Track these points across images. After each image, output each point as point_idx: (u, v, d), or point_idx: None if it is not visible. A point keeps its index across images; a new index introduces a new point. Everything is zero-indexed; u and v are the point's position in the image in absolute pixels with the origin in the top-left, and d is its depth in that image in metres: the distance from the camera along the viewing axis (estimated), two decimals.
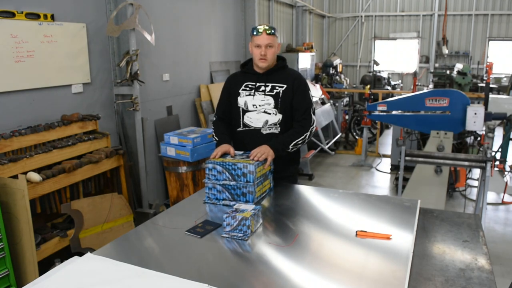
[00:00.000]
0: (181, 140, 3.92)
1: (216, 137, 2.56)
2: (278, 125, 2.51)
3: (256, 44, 2.44)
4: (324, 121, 6.86)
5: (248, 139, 2.51)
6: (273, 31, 2.44)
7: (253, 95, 2.51)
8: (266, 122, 2.51)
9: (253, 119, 2.52)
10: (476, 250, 1.70)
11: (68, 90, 3.63)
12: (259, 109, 2.51)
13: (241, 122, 2.55)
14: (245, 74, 2.59)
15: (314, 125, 2.54)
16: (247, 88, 2.54)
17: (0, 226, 2.61)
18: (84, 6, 3.74)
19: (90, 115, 3.60)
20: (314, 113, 2.56)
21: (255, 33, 2.45)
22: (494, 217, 4.89)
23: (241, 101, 2.54)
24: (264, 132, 2.51)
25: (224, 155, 2.30)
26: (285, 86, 2.50)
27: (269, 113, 2.50)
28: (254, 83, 2.53)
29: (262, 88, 2.52)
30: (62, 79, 3.54)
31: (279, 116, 2.50)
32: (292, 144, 2.44)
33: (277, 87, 2.50)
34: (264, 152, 2.27)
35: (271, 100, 2.50)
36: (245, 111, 2.53)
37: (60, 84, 3.52)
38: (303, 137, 2.47)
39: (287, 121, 2.52)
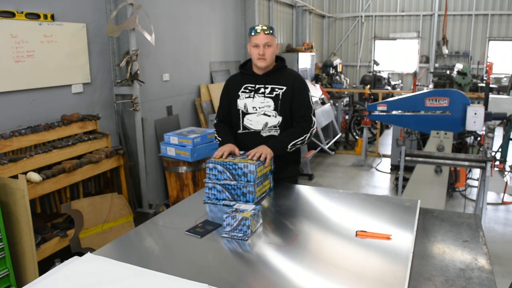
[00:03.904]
0: (181, 140, 3.92)
1: (219, 137, 2.55)
2: (278, 127, 2.50)
3: (254, 43, 2.43)
4: (324, 121, 6.86)
5: (248, 142, 2.49)
6: (271, 30, 2.43)
7: (253, 97, 2.50)
8: (266, 124, 2.49)
9: (253, 122, 2.51)
10: (476, 250, 1.70)
11: (68, 90, 3.63)
12: (259, 112, 2.50)
13: (241, 125, 2.54)
14: (244, 76, 2.58)
15: (315, 126, 2.53)
16: (247, 90, 2.53)
17: (0, 226, 2.61)
18: (84, 6, 3.74)
19: (90, 115, 3.60)
20: (314, 115, 2.55)
21: (253, 33, 2.44)
22: (494, 217, 4.88)
23: (240, 103, 2.53)
24: (264, 135, 2.50)
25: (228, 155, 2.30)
26: (284, 87, 2.49)
27: (269, 115, 2.49)
28: (253, 85, 2.52)
29: (262, 90, 2.50)
30: (62, 79, 3.54)
31: (279, 119, 2.49)
32: (290, 145, 2.43)
33: (276, 89, 2.49)
34: (261, 151, 2.27)
35: (270, 102, 2.48)
36: (245, 113, 2.52)
37: (60, 84, 3.52)
38: (302, 138, 2.46)
39: (287, 123, 2.51)
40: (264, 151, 2.27)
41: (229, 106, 2.60)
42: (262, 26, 2.43)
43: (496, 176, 4.72)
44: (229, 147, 2.33)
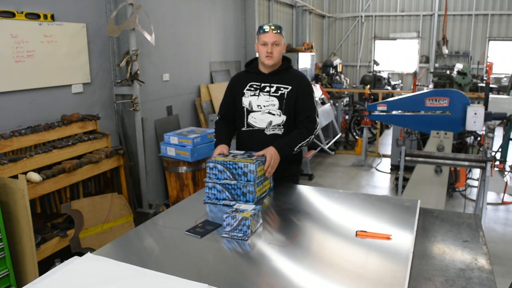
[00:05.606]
0: (181, 140, 3.91)
1: (215, 138, 2.58)
2: (282, 126, 2.51)
3: (263, 42, 2.45)
4: (324, 121, 6.86)
5: (252, 140, 2.51)
6: (279, 30, 2.46)
7: (258, 96, 2.52)
8: (270, 123, 2.51)
9: (257, 120, 2.52)
10: (476, 250, 1.70)
11: (68, 90, 3.63)
12: (264, 110, 2.51)
13: (245, 122, 2.55)
14: (249, 74, 2.59)
15: (318, 127, 2.56)
16: (252, 88, 2.54)
17: (0, 226, 2.61)
18: (84, 6, 3.74)
19: (90, 115, 3.60)
20: (318, 115, 2.57)
21: (261, 31, 2.46)
22: (494, 217, 4.88)
23: (245, 101, 2.54)
24: (268, 133, 2.51)
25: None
26: (290, 87, 2.51)
27: (273, 114, 2.51)
28: (259, 83, 2.54)
29: (267, 88, 2.52)
30: (62, 79, 3.54)
31: (283, 117, 2.50)
32: (297, 147, 2.45)
33: (282, 88, 2.51)
34: (274, 164, 2.27)
35: (275, 101, 2.50)
36: (250, 111, 2.54)
37: (60, 84, 3.52)
38: (307, 139, 2.49)
39: (291, 122, 2.52)
40: (274, 161, 2.28)
41: (232, 103, 2.62)
42: (271, 25, 2.45)
43: (496, 176, 4.71)
44: (219, 149, 2.37)
